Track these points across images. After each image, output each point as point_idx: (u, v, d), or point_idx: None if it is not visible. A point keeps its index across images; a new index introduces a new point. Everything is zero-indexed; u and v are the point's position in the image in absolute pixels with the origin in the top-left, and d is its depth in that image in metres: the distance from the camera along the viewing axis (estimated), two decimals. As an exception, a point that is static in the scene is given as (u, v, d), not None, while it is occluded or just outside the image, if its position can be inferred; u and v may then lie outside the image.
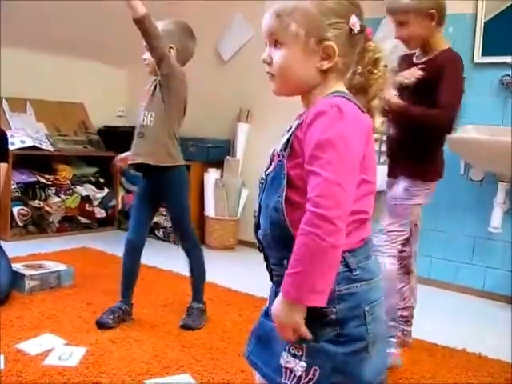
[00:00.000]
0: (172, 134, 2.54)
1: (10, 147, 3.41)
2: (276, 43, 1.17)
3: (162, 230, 4.46)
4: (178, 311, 2.54)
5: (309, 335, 1.07)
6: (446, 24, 3.47)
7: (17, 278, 2.87)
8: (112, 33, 4.36)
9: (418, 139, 2.23)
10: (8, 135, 3.06)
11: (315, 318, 1.07)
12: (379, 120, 1.19)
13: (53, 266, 3.13)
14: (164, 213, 4.34)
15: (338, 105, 1.06)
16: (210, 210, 4.42)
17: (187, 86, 2.58)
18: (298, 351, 1.10)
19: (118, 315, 2.56)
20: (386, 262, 2.23)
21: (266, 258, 1.20)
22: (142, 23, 2.29)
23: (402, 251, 2.36)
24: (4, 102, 4.32)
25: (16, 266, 2.96)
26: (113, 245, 3.94)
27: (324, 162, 1.03)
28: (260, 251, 1.20)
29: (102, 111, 4.73)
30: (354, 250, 1.10)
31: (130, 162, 2.59)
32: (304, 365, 1.09)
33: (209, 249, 4.41)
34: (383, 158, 3.73)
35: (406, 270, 2.45)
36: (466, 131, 3.33)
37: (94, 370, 2.11)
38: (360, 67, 1.17)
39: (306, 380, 1.09)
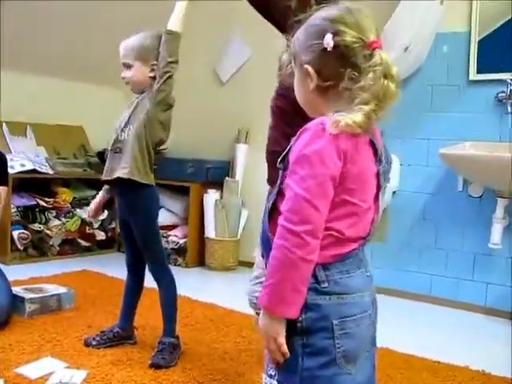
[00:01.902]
0: (147, 152, 2.40)
1: (10, 171, 3.42)
2: None
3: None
4: (179, 332, 2.53)
5: (286, 351, 1.10)
6: (442, 42, 3.55)
7: (17, 302, 2.86)
8: (109, 54, 4.39)
9: None
10: (8, 159, 3.07)
11: (287, 325, 1.11)
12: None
13: (53, 289, 3.12)
14: (164, 234, 4.34)
15: (323, 122, 1.09)
16: (210, 231, 4.42)
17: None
18: (274, 371, 1.15)
19: (105, 337, 2.56)
20: None
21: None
22: (178, 37, 2.39)
23: None
24: (4, 125, 4.34)
25: (16, 290, 2.95)
26: (113, 267, 3.93)
27: (298, 178, 1.07)
28: None
29: (101, 134, 4.74)
30: (325, 263, 1.12)
31: (104, 179, 2.47)
32: (275, 383, 1.14)
33: (209, 270, 4.41)
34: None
35: None
36: (464, 148, 3.35)
37: (94, 393, 2.10)
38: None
39: None
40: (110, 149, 2.46)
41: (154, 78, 2.41)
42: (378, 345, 2.75)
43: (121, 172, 2.38)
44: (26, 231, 4.15)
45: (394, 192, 3.79)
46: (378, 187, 1.18)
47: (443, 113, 3.61)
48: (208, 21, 4.71)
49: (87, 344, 2.54)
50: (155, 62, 2.40)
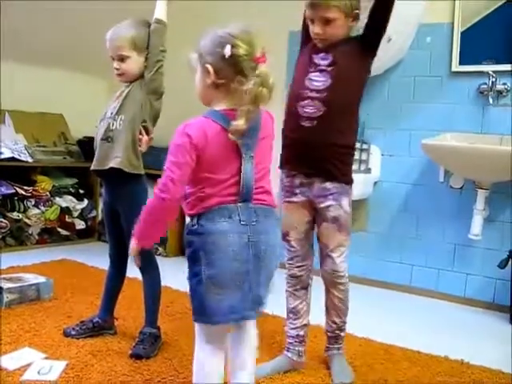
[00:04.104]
0: (136, 141, 2.39)
1: (-12, 159, 3.38)
2: None
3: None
4: (159, 322, 2.52)
5: (138, 262, 1.79)
6: (424, 33, 3.56)
7: (-5, 292, 2.83)
8: (91, 43, 4.34)
9: None
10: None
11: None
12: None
13: (32, 278, 3.09)
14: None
15: (187, 123, 1.57)
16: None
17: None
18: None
19: (85, 327, 2.54)
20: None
21: None
22: (166, 26, 2.41)
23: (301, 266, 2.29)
24: (-18, 113, 4.27)
25: (-6, 279, 2.92)
26: (93, 256, 3.91)
27: (168, 163, 1.56)
28: None
29: (82, 122, 4.69)
30: (199, 214, 1.58)
31: (94, 168, 2.42)
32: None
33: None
34: (364, 167, 3.76)
35: (302, 284, 2.30)
36: (445, 139, 3.36)
37: None
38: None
39: None
40: (100, 138, 2.40)
41: (144, 67, 2.39)
42: (359, 335, 2.79)
43: (114, 162, 2.35)
44: (4, 220, 4.10)
45: (375, 182, 3.80)
46: (241, 155, 1.58)
47: (425, 104, 3.62)
48: (194, 10, 4.66)
49: (66, 334, 2.52)
50: (147, 51, 2.38)
